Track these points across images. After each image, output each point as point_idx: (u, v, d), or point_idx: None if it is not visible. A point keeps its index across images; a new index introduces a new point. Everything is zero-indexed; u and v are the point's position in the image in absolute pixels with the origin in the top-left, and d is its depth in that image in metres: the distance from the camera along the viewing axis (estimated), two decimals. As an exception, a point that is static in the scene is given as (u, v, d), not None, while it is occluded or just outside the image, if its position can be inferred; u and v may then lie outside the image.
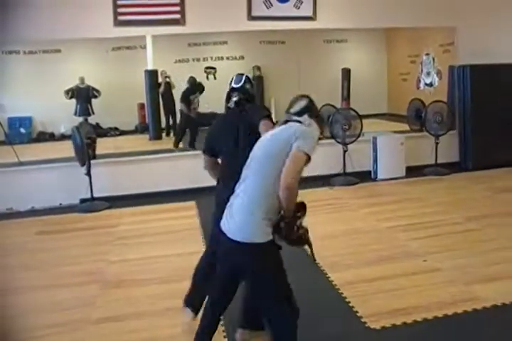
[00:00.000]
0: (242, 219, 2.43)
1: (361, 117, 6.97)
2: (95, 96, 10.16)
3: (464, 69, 7.56)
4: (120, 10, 6.41)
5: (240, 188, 2.51)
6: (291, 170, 2.39)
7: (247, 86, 3.19)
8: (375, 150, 7.05)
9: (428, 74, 10.42)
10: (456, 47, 7.80)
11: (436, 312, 3.36)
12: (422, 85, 10.64)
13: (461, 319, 3.29)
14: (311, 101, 2.76)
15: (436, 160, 7.36)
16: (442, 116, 7.32)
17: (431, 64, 10.26)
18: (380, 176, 7.05)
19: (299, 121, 2.63)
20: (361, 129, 6.87)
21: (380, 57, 12.31)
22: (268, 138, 2.59)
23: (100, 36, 6.93)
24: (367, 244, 4.64)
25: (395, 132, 7.63)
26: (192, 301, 3.19)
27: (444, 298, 3.58)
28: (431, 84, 10.27)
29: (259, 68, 10.58)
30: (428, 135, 7.36)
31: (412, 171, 7.19)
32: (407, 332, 3.17)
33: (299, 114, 2.70)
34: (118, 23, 6.43)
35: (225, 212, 2.55)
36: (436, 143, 7.31)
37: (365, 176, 7.11)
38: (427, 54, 10.32)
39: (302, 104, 2.73)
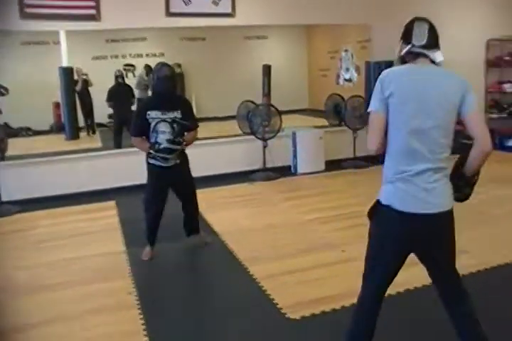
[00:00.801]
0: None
1: (280, 113, 7.08)
2: (2, 94, 9.67)
3: (379, 65, 7.84)
4: (27, 1, 6.12)
5: None
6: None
7: None
8: (294, 145, 7.20)
9: (347, 70, 10.69)
10: (372, 43, 8.08)
11: (354, 300, 3.44)
12: (341, 81, 10.90)
13: (377, 304, 3.44)
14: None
15: (354, 153, 7.61)
16: (360, 110, 7.58)
17: (350, 60, 10.53)
18: (300, 170, 7.21)
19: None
20: (280, 125, 6.98)
21: (301, 53, 12.54)
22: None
23: (4, 28, 6.56)
24: (287, 237, 4.74)
25: (315, 127, 7.82)
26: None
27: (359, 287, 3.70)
28: (350, 80, 10.55)
29: (179, 65, 10.49)
30: (347, 129, 7.59)
31: (332, 165, 7.41)
32: (326, 320, 3.27)
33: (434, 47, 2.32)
34: (25, 16, 6.13)
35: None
36: (355, 137, 7.55)
37: (286, 171, 7.25)
38: (346, 50, 10.59)
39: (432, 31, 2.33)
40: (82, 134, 9.28)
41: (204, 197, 6.12)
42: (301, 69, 12.48)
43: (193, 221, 4.57)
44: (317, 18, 7.58)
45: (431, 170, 2.24)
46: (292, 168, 7.32)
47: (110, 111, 9.59)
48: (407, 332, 3.18)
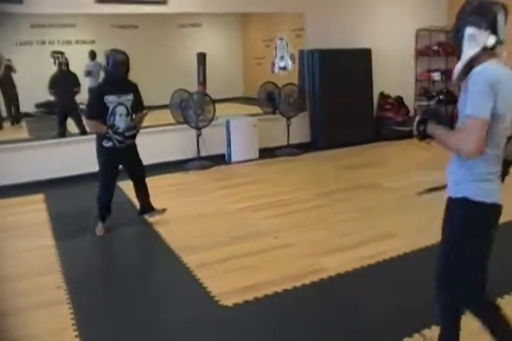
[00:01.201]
0: None
1: (214, 101, 7.06)
2: None
3: (312, 53, 7.96)
4: None
5: None
6: None
7: None
8: (228, 133, 7.20)
9: (282, 58, 10.72)
10: (305, 32, 8.16)
11: (286, 285, 3.55)
12: (276, 69, 10.93)
13: (308, 289, 3.52)
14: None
15: (288, 141, 7.70)
16: (294, 98, 7.67)
17: (284, 48, 10.58)
18: (234, 159, 7.22)
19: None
20: (214, 113, 6.96)
21: (236, 41, 12.54)
22: None
23: None
24: (220, 226, 4.75)
25: (249, 115, 7.85)
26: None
27: (294, 271, 3.79)
28: (285, 68, 10.63)
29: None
30: (280, 117, 7.67)
31: (266, 153, 7.47)
32: (258, 306, 3.31)
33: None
34: None
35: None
36: (288, 125, 7.64)
37: (220, 159, 7.25)
38: (281, 38, 10.62)
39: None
40: (6, 124, 8.94)
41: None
42: (236, 58, 12.49)
43: (147, 199, 4.81)
44: (251, 6, 7.56)
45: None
46: (226, 157, 7.32)
47: (37, 99, 9.26)
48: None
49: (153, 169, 6.54)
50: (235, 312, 3.25)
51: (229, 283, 3.62)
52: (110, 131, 4.29)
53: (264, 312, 3.27)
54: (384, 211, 5.09)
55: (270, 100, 7.91)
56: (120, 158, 4.53)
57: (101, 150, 4.44)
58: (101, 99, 4.28)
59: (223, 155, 7.35)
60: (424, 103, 9.14)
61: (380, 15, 8.66)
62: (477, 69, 2.09)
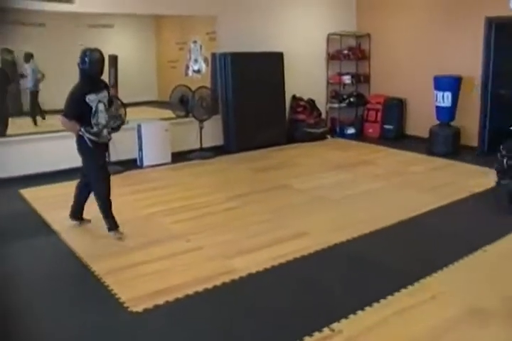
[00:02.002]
0: None
1: (125, 105, 6.99)
2: None
3: (225, 56, 8.06)
4: None
5: None
6: None
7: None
8: (140, 137, 7.15)
9: (196, 61, 10.81)
10: (218, 35, 8.26)
11: (198, 288, 3.61)
12: (190, 72, 11.00)
13: (219, 290, 3.60)
14: None
15: (201, 144, 7.76)
16: (206, 101, 7.73)
17: (198, 51, 10.65)
18: (146, 163, 7.18)
19: None
20: (125, 117, 6.88)
21: (149, 43, 12.42)
22: None
23: None
24: (131, 231, 4.72)
25: (162, 119, 7.82)
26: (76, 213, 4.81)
27: (205, 273, 3.86)
28: (199, 71, 10.69)
29: (10, 52, 9.74)
30: (193, 120, 7.70)
31: (179, 156, 7.50)
32: (169, 310, 3.35)
33: None
34: None
35: None
36: (201, 128, 7.69)
37: (132, 164, 7.19)
38: (195, 41, 10.70)
39: None
40: None
41: (43, 194, 5.91)
42: (149, 61, 12.37)
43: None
44: (163, 8, 7.54)
45: None
46: (138, 161, 7.27)
47: None
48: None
49: (59, 176, 6.41)
50: (144, 318, 3.27)
51: (139, 288, 3.63)
52: (83, 130, 4.37)
53: (174, 316, 3.31)
54: (295, 211, 5.27)
55: (183, 103, 7.92)
56: (103, 153, 4.71)
57: (87, 147, 4.44)
58: (82, 99, 4.33)
59: (135, 160, 7.29)
60: (336, 105, 9.51)
61: (292, 20, 8.93)
62: None
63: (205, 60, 10.23)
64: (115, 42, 11.31)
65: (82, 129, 4.37)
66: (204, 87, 7.90)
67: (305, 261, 4.10)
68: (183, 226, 4.86)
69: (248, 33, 8.30)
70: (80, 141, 4.46)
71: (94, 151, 4.50)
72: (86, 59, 4.35)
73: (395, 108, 9.19)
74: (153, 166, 7.21)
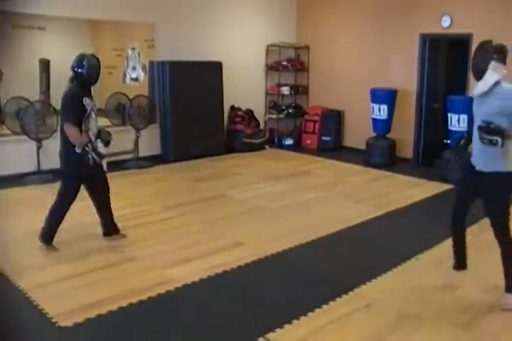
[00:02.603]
0: None
1: (56, 112, 6.79)
2: None
3: (163, 64, 8.03)
4: None
5: None
6: None
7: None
8: (74, 145, 6.97)
9: (134, 68, 10.67)
10: (156, 43, 8.23)
11: (132, 299, 3.56)
12: (128, 80, 10.85)
13: (154, 301, 3.57)
14: None
15: (138, 153, 7.68)
16: (144, 109, 7.67)
17: (136, 58, 10.53)
18: (79, 172, 7.00)
19: None
20: (57, 124, 6.69)
21: (85, 49, 12.10)
22: None
23: None
24: (63, 242, 4.59)
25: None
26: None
27: (140, 284, 3.81)
28: (136, 79, 10.57)
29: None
30: (130, 129, 7.62)
31: (114, 165, 7.30)
32: (101, 323, 3.29)
33: None
34: None
35: None
36: (138, 137, 7.61)
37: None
38: (133, 48, 10.57)
39: None
40: None
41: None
42: (84, 66, 12.11)
43: (112, 218, 4.75)
44: (100, 13, 7.47)
45: None
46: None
47: None
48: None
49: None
50: (73, 332, 3.19)
51: (69, 302, 3.54)
52: (90, 146, 4.27)
53: (106, 329, 3.26)
54: (232, 221, 5.29)
55: (119, 111, 7.81)
56: (90, 171, 4.43)
57: (78, 159, 4.30)
58: (81, 101, 4.25)
59: (68, 169, 7.06)
60: (274, 116, 9.63)
61: (232, 30, 9.02)
62: (506, 87, 3.33)
63: (144, 68, 10.13)
64: (47, 46, 11.01)
65: (89, 145, 4.27)
66: (142, 96, 7.84)
67: (241, 271, 4.12)
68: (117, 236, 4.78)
69: (187, 42, 8.32)
70: (68, 148, 4.31)
71: (85, 161, 4.32)
72: (84, 63, 4.31)
73: (333, 119, 9.42)
74: (86, 175, 7.02)
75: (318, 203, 6.04)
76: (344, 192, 6.48)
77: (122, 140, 7.64)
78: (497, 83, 3.32)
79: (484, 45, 3.52)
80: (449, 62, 8.72)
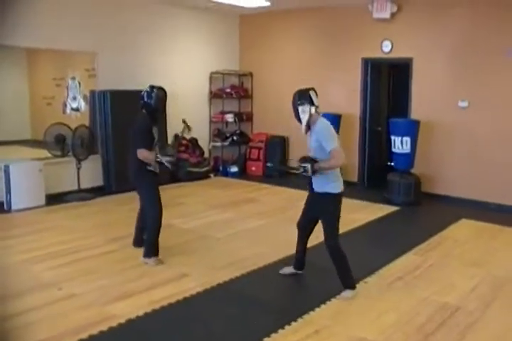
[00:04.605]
0: None
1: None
2: None
3: (104, 94, 7.94)
4: None
5: None
6: None
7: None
8: (8, 179, 6.72)
9: (74, 98, 10.53)
10: (97, 72, 8.15)
11: (71, 339, 3.41)
12: (68, 110, 10.68)
13: (96, 339, 3.42)
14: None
15: (79, 185, 7.50)
16: (86, 140, 7.52)
17: (77, 88, 10.40)
18: (15, 207, 6.74)
19: None
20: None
21: (21, 77, 11.90)
22: None
23: None
24: (-3, 281, 4.41)
25: (34, 159, 7.42)
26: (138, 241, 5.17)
27: (80, 322, 3.67)
28: (77, 109, 10.42)
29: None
30: (70, 160, 7.45)
31: (54, 198, 7.15)
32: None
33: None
34: None
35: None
36: (79, 168, 7.45)
37: (-4, 208, 6.75)
38: (73, 78, 10.45)
39: None
40: None
41: None
42: (21, 96, 11.84)
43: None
44: (37, 41, 7.24)
45: None
46: (5, 205, 6.77)
47: None
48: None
49: None
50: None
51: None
52: (160, 156, 4.77)
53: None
54: (177, 252, 5.19)
55: (59, 143, 7.64)
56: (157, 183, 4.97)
57: (148, 177, 4.86)
58: (150, 130, 4.81)
59: (1, 203, 6.78)
60: (219, 144, 9.64)
61: (175, 58, 9.05)
62: (319, 123, 4.13)
63: (85, 98, 10.01)
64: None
65: (159, 155, 4.77)
66: (83, 126, 7.71)
67: (187, 303, 4.03)
68: (56, 273, 4.61)
69: (129, 71, 8.28)
70: (139, 165, 4.80)
71: (153, 179, 4.89)
72: (153, 95, 4.83)
73: (278, 146, 9.51)
74: (23, 210, 6.77)
75: (266, 230, 6.03)
76: (291, 218, 6.40)
77: (62, 172, 7.50)
78: (309, 123, 4.14)
79: (293, 95, 4.26)
80: (390, 86, 9.04)
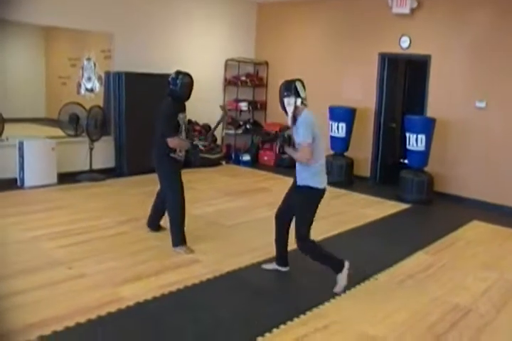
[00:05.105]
0: None
1: (4, 120, 6.55)
2: None
3: (119, 75, 7.86)
4: None
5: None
6: None
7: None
8: (21, 155, 6.72)
9: (89, 79, 10.52)
10: (113, 53, 8.07)
11: (80, 319, 3.39)
12: (82, 90, 10.67)
13: (104, 320, 3.40)
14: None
15: (91, 165, 7.48)
16: (99, 121, 7.47)
17: (92, 69, 10.38)
18: (28, 184, 6.75)
19: None
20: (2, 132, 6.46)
21: (38, 57, 11.89)
22: None
23: None
24: (6, 257, 4.38)
25: (48, 137, 7.39)
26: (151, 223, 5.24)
27: (89, 302, 3.64)
28: (92, 90, 10.39)
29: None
30: (83, 140, 7.42)
31: (66, 178, 7.12)
32: (43, 345, 3.10)
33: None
34: None
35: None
36: (91, 149, 7.43)
37: (10, 184, 6.72)
38: (88, 59, 10.42)
39: None
40: None
41: None
42: (38, 75, 11.83)
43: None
44: (56, 19, 7.18)
45: None
46: (19, 181, 6.80)
47: None
48: None
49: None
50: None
51: (10, 322, 3.32)
52: (192, 145, 4.85)
53: (51, 351, 3.07)
54: (188, 238, 5.13)
55: (72, 122, 7.60)
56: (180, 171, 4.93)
57: (171, 164, 4.80)
58: (175, 117, 4.73)
59: (15, 180, 6.81)
60: (232, 132, 9.59)
61: (191, 43, 8.97)
62: (302, 115, 4.00)
63: (99, 79, 9.97)
64: (-1, 54, 10.71)
65: (196, 141, 4.90)
66: (98, 106, 7.66)
67: (196, 289, 4.00)
68: (67, 251, 4.58)
69: (145, 53, 8.21)
70: (163, 158, 4.77)
71: (175, 166, 4.83)
72: (178, 81, 4.75)
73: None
74: (36, 187, 6.77)
75: (276, 220, 5.98)
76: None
77: (75, 151, 7.47)
78: (295, 115, 4.01)
79: (280, 86, 4.16)
80: (407, 82, 8.92)
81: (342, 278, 4.08)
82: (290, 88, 4.05)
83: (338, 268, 4.09)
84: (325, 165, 4.15)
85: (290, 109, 4.02)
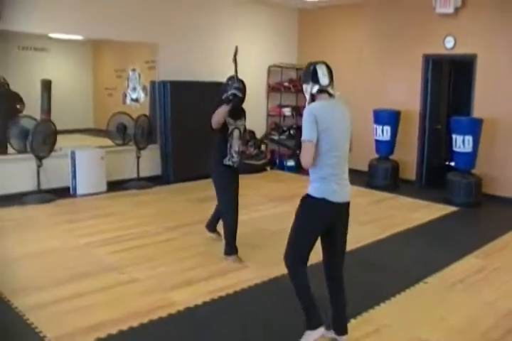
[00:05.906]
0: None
1: (57, 131, 6.76)
2: None
3: (164, 84, 8.00)
4: None
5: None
6: None
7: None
8: (73, 165, 6.94)
9: (134, 89, 10.71)
10: (158, 62, 8.22)
11: (132, 323, 3.45)
12: (128, 100, 10.88)
13: (156, 325, 3.46)
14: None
15: (138, 174, 7.62)
16: (146, 130, 7.62)
17: (137, 79, 10.57)
18: (80, 192, 6.95)
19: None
20: (54, 143, 6.65)
21: (86, 70, 12.19)
22: None
23: None
24: (62, 263, 4.52)
25: (97, 147, 7.58)
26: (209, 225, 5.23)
27: (141, 307, 3.70)
28: (137, 100, 10.59)
29: None
30: (130, 149, 7.58)
31: (114, 186, 7.29)
32: (99, 348, 3.18)
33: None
34: None
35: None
36: (138, 157, 7.57)
37: (64, 192, 6.92)
38: (133, 69, 10.62)
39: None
40: None
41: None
42: (85, 87, 12.12)
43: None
44: (102, 33, 7.42)
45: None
46: (71, 190, 7.01)
47: None
48: None
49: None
50: (73, 356, 3.08)
51: (68, 324, 3.43)
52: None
53: (106, 353, 3.14)
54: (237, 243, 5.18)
55: (120, 131, 7.77)
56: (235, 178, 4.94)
57: (223, 171, 4.88)
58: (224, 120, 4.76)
59: (68, 188, 7.02)
60: (276, 137, 9.59)
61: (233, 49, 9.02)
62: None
63: (144, 89, 10.16)
64: (50, 67, 11.06)
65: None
66: (144, 115, 7.81)
67: (245, 294, 4.01)
68: (119, 257, 4.69)
69: (189, 62, 8.33)
70: (216, 166, 4.91)
71: (228, 174, 4.94)
72: (228, 87, 4.82)
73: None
74: (87, 195, 6.97)
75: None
76: (348, 214, 6.39)
77: (122, 160, 7.62)
78: (311, 101, 3.22)
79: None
80: (452, 83, 8.76)
81: (310, 337, 3.22)
82: (308, 72, 3.18)
83: (312, 323, 3.24)
84: (341, 176, 3.37)
85: (307, 98, 3.23)
